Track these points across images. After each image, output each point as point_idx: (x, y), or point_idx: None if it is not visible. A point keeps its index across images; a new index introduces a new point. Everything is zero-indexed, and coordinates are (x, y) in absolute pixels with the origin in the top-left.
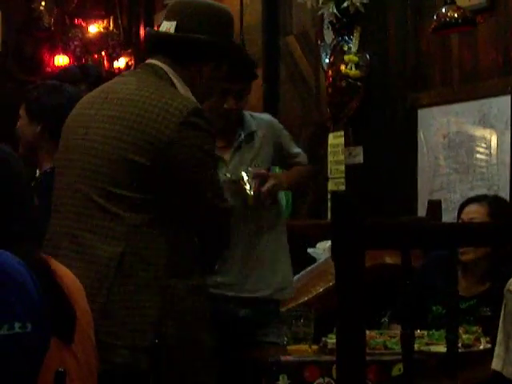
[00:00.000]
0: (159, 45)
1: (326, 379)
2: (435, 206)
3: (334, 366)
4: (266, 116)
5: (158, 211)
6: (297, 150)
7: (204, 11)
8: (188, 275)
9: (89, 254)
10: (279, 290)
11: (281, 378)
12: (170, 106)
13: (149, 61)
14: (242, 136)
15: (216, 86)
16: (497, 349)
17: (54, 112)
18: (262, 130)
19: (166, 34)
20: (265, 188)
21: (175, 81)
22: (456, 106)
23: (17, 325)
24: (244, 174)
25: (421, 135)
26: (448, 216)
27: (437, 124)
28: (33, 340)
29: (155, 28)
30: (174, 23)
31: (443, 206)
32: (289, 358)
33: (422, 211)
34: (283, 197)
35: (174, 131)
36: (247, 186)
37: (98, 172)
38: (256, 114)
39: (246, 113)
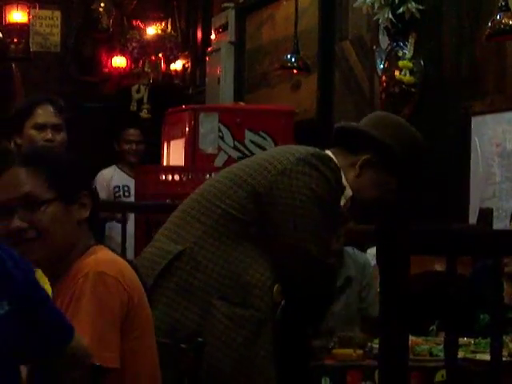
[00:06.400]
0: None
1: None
2: (486, 214)
3: (377, 371)
4: (362, 256)
5: (252, 236)
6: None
7: (397, 125)
8: (238, 303)
9: (157, 248)
10: None
11: (323, 380)
12: (298, 147)
13: None
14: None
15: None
16: None
17: None
18: (356, 274)
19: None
20: None
21: None
22: (510, 114)
23: None
24: None
25: (474, 143)
26: (499, 224)
27: (490, 132)
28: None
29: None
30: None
31: (495, 214)
32: (332, 361)
33: (473, 219)
34: None
35: (290, 162)
36: None
37: (218, 189)
38: (352, 252)
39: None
